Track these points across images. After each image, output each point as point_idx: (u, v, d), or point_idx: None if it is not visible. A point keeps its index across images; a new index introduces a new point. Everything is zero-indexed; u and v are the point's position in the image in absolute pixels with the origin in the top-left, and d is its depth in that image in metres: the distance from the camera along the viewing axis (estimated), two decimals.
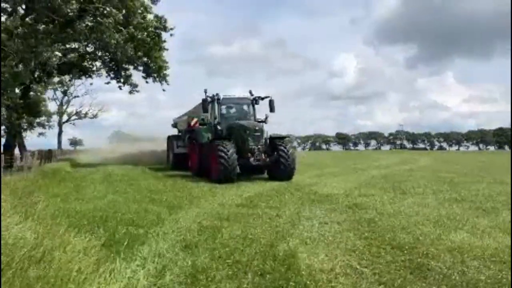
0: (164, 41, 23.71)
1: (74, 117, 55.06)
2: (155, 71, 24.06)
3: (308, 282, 4.14)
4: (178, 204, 8.75)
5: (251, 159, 13.82)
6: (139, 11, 20.91)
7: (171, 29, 23.23)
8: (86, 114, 54.45)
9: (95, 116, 54.74)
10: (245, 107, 16.12)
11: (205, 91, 15.23)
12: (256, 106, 16.06)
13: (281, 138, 14.62)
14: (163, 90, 25.39)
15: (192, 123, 17.71)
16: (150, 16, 21.98)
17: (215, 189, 11.28)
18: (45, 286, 3.42)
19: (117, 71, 24.43)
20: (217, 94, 15.40)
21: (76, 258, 4.18)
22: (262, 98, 15.81)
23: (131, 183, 13.14)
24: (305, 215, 7.41)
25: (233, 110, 16.10)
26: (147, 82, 24.83)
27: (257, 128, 14.22)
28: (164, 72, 24.66)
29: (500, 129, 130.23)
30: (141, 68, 24.37)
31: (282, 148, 13.85)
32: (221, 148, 13.12)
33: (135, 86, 24.81)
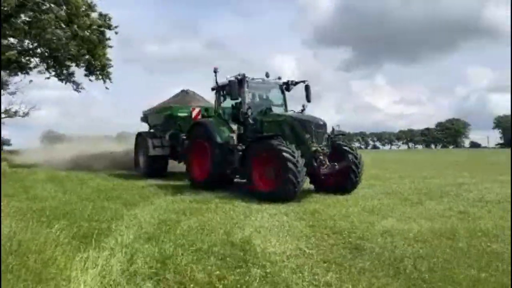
0: (108, 39, 23.42)
1: (3, 115, 51.78)
2: (99, 69, 23.68)
3: (264, 263, 4.76)
4: (133, 201, 9.04)
5: (319, 167, 9.57)
6: (83, 8, 20.53)
7: (116, 27, 23.01)
8: (16, 112, 51.42)
9: (26, 115, 51.85)
10: (274, 94, 12.12)
11: (215, 71, 11.78)
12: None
13: (342, 135, 11.19)
14: (106, 88, 25.01)
15: (194, 114, 13.55)
16: (94, 14, 21.63)
17: (166, 187, 11.60)
18: (27, 272, 3.75)
19: (59, 69, 23.72)
20: (243, 75, 11.12)
21: (50, 249, 4.49)
22: (296, 83, 12.06)
23: (80, 182, 13.07)
24: (256, 208, 8.07)
25: (259, 98, 11.90)
26: (90, 80, 24.33)
27: (321, 123, 10.21)
28: (108, 70, 24.34)
29: (427, 129, 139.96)
30: (83, 65, 23.86)
31: (350, 151, 10.19)
32: (286, 151, 8.89)
33: (77, 84, 24.23)
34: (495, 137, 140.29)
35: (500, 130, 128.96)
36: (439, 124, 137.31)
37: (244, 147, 10.22)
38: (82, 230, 5.93)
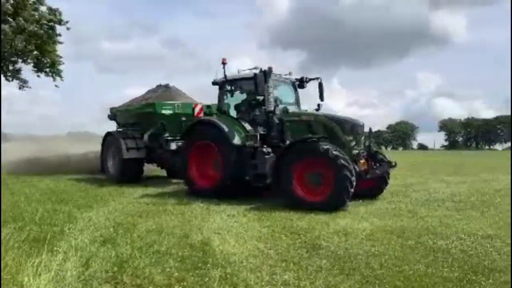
0: (59, 35, 22.50)
1: None
2: (48, 66, 22.68)
3: (223, 263, 4.80)
4: (87, 203, 8.77)
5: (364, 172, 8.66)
6: (31, 2, 19.60)
7: (67, 22, 22.14)
8: None
9: None
10: (286, 91, 11.07)
11: (224, 62, 10.24)
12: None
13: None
14: (56, 86, 24.01)
15: (197, 111, 12.21)
16: (43, 8, 20.71)
17: (122, 189, 11.33)
18: None
19: (4, 65, 22.49)
20: (270, 68, 9.73)
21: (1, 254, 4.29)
22: (308, 80, 11.03)
23: (28, 184, 12.46)
24: (214, 210, 8.08)
25: (276, 94, 10.38)
26: (38, 76, 23.25)
27: (361, 124, 9.39)
28: (58, 67, 23.37)
29: (378, 131, 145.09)
30: (31, 62, 22.77)
31: (385, 159, 9.52)
32: (342, 157, 7.99)
33: (25, 82, 23.08)
34: (440, 139, 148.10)
35: (445, 133, 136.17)
36: (390, 127, 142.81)
37: (269, 149, 9.13)
38: (33, 234, 5.69)
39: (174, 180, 13.44)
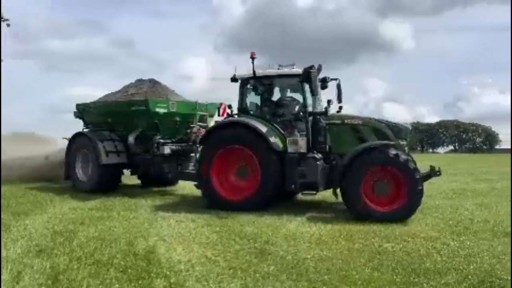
0: None
1: None
2: None
3: (168, 273, 4.61)
4: (23, 210, 8.19)
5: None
6: None
7: (7, 19, 20.76)
8: None
9: None
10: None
11: (253, 57, 8.99)
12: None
13: None
14: None
15: (222, 111, 10.44)
16: None
17: (64, 193, 10.71)
18: None
19: None
20: (320, 65, 9.11)
21: None
22: (327, 81, 9.72)
23: None
24: (162, 215, 7.82)
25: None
26: None
27: (410, 128, 9.28)
28: None
29: None
30: None
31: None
32: (417, 168, 7.65)
33: None
34: None
35: None
36: None
37: (319, 155, 8.31)
38: None
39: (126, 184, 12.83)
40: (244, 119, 8.72)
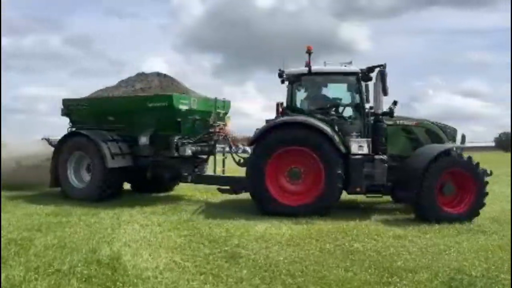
0: None
1: None
2: None
3: (135, 281, 4.36)
4: None
5: None
6: None
7: None
8: None
9: None
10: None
11: (309, 52, 8.67)
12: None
13: None
14: None
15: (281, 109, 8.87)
16: None
17: (17, 198, 10.06)
18: None
19: None
20: (385, 64, 8.32)
21: None
22: (368, 72, 8.55)
23: None
24: (125, 219, 7.48)
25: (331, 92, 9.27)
26: None
27: (456, 130, 9.19)
28: None
29: None
30: None
31: None
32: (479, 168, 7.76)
33: None
34: None
35: None
36: None
37: (384, 157, 8.08)
38: None
39: None
40: (306, 119, 8.11)
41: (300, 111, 8.53)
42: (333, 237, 6.27)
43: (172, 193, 11.30)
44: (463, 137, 8.95)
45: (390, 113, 8.42)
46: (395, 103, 8.54)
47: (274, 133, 8.04)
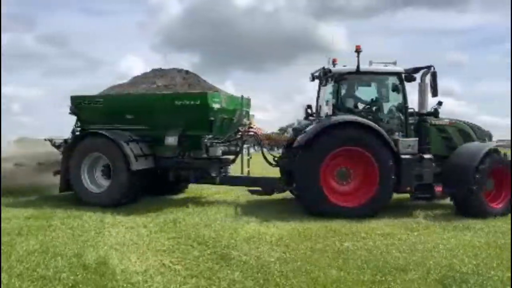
0: None
1: None
2: None
3: (125, 285, 4.24)
4: None
5: None
6: None
7: None
8: None
9: None
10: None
11: (359, 50, 8.34)
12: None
13: None
14: None
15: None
16: None
17: None
18: None
19: None
20: (433, 66, 8.34)
21: None
22: (413, 72, 8.59)
23: None
24: (109, 222, 7.27)
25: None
26: None
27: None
28: None
29: (272, 133, 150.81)
30: None
31: None
32: None
33: None
34: None
35: None
36: (281, 129, 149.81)
37: (432, 156, 8.21)
38: None
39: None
40: (360, 118, 8.08)
41: (350, 111, 8.50)
42: (323, 237, 6.25)
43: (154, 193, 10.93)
44: (491, 136, 9.24)
45: (435, 113, 8.62)
46: (440, 103, 8.69)
47: (331, 133, 7.88)
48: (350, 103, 8.74)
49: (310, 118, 9.49)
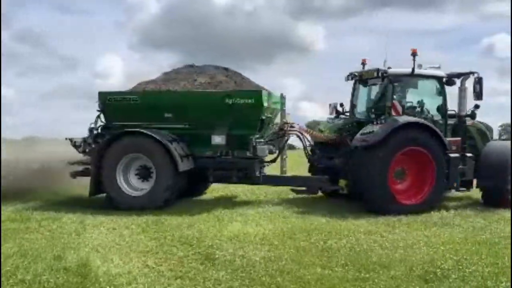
0: None
1: None
2: None
3: (108, 287, 4.16)
4: None
5: None
6: None
7: None
8: None
9: None
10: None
11: (415, 54, 8.68)
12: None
13: None
14: None
15: (399, 109, 8.67)
16: None
17: None
18: None
19: None
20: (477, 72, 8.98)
21: None
22: (456, 77, 9.18)
23: None
24: (90, 223, 7.11)
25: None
26: None
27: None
28: None
29: None
30: None
31: None
32: None
33: None
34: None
35: None
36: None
37: (472, 155, 8.98)
38: None
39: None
40: (422, 120, 8.53)
41: (408, 112, 8.85)
42: (306, 235, 6.27)
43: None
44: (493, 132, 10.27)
45: (472, 115, 9.25)
46: (477, 106, 9.23)
47: (397, 133, 8.10)
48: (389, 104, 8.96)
49: (341, 116, 9.98)
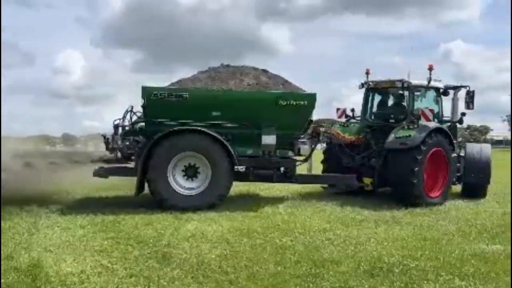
0: None
1: None
2: None
3: (59, 287, 4.13)
4: None
5: None
6: None
7: None
8: None
9: None
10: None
11: (431, 68, 10.13)
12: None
13: None
14: None
15: (428, 113, 9.96)
16: None
17: None
18: None
19: None
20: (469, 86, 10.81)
21: None
22: (452, 89, 10.85)
23: None
24: (44, 223, 6.95)
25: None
26: None
27: None
28: None
29: None
30: None
31: None
32: None
33: None
34: None
35: None
36: None
37: (463, 154, 10.57)
38: None
39: None
40: (441, 125, 9.92)
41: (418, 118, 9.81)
42: (263, 233, 6.42)
43: (92, 192, 10.50)
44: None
45: (460, 121, 10.72)
46: (463, 114, 10.70)
47: (431, 137, 9.29)
48: (417, 111, 10.10)
49: (352, 120, 10.91)
